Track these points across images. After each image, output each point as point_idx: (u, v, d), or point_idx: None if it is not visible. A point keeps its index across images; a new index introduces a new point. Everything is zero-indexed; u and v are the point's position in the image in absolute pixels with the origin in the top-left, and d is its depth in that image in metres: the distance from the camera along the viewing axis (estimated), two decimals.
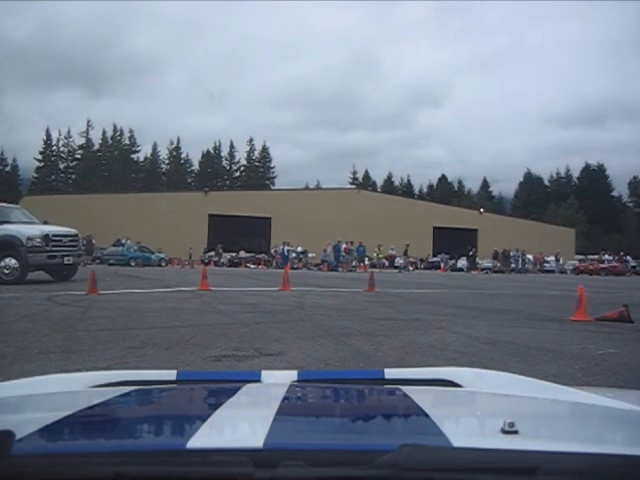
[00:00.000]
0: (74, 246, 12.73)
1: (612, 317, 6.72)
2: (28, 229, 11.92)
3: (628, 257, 39.24)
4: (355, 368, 3.89)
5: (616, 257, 38.88)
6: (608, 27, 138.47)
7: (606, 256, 39.28)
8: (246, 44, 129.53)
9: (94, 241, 32.53)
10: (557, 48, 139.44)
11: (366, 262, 32.73)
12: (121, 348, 4.54)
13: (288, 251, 32.63)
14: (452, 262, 40.60)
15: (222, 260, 38.08)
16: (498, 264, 35.39)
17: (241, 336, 5.22)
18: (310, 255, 35.61)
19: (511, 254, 36.45)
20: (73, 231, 12.94)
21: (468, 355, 4.43)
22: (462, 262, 38.96)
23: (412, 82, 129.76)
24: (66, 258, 12.22)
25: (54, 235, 12.12)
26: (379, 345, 4.83)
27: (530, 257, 38.00)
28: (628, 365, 4.18)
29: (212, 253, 39.46)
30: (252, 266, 35.72)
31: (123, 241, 32.50)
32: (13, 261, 11.49)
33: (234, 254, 39.78)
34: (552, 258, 38.85)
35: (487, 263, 34.70)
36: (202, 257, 38.43)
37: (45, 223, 13.38)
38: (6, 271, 11.48)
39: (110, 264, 29.29)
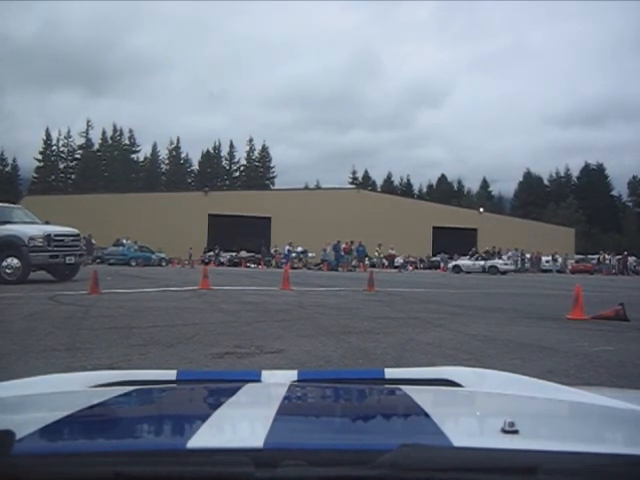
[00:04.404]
0: (76, 246, 12.81)
1: (608, 315, 6.82)
2: (30, 229, 12.00)
3: (631, 257, 39.20)
4: (354, 365, 3.98)
5: (619, 256, 38.84)
6: (608, 27, 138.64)
7: (606, 256, 39.43)
8: (246, 44, 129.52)
9: (94, 241, 32.54)
10: (557, 48, 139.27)
11: (366, 262, 32.78)
12: (125, 346, 4.62)
13: (289, 251, 32.74)
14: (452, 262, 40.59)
15: (221, 259, 38.15)
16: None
17: (242, 334, 5.30)
18: (310, 255, 35.67)
19: (509, 254, 36.51)
20: (75, 231, 13.01)
21: (465, 352, 4.52)
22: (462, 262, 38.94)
23: (412, 82, 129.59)
24: (68, 258, 12.28)
25: (56, 235, 12.19)
26: (378, 343, 4.91)
27: (529, 256, 38.03)
28: (622, 362, 4.26)
29: (212, 253, 39.52)
30: (252, 265, 35.78)
31: (123, 241, 32.57)
32: (15, 261, 11.56)
33: (234, 254, 39.83)
34: (548, 257, 38.83)
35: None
36: (202, 257, 38.47)
37: (47, 223, 13.47)
38: (8, 271, 11.55)
39: (110, 264, 29.33)
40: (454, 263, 33.48)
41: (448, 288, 14.48)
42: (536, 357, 4.42)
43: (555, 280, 22.95)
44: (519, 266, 35.99)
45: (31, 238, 11.64)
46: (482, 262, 31.43)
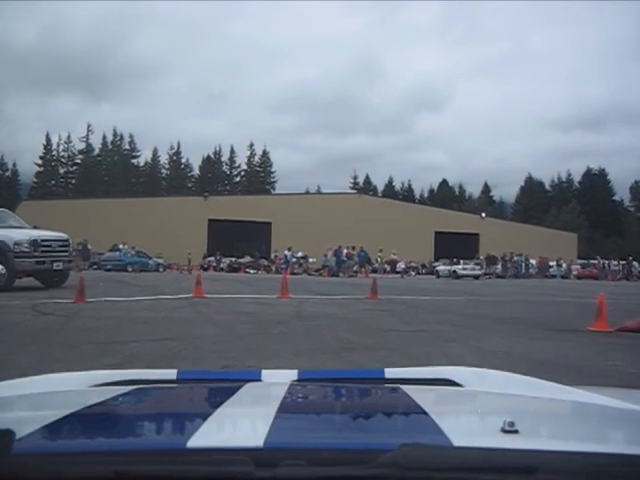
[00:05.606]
0: (64, 251, 12.23)
1: (634, 328, 6.24)
2: (16, 234, 11.45)
3: (635, 262, 38.63)
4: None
5: (623, 262, 38.38)
6: (609, 31, 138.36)
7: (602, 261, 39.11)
8: (247, 48, 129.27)
9: (90, 246, 32.03)
10: (558, 52, 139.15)
11: (368, 267, 32.21)
12: (98, 365, 4.07)
13: (289, 256, 32.20)
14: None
15: (221, 265, 37.68)
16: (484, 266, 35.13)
17: (233, 351, 4.77)
18: (311, 260, 35.14)
19: (514, 259, 36.00)
20: (63, 236, 12.46)
21: None
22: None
23: (413, 86, 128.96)
24: (55, 264, 11.71)
25: (43, 240, 11.64)
26: (384, 362, 4.33)
27: (533, 262, 37.49)
28: None
29: (212, 258, 39.01)
30: (252, 271, 35.24)
31: (120, 246, 31.97)
32: (0, 267, 11.02)
33: (233, 259, 39.32)
34: (554, 263, 38.38)
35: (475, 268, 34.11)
36: (202, 262, 37.97)
37: (35, 228, 12.94)
38: None
39: (107, 270, 28.80)
40: (436, 268, 35.72)
41: (453, 295, 13.91)
42: (565, 379, 3.80)
43: (561, 286, 22.40)
44: (523, 271, 35.45)
45: (16, 243, 11.10)
46: (448, 267, 33.03)
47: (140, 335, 5.61)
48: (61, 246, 12.16)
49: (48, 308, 7.97)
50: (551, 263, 38.19)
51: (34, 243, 11.33)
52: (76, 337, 5.42)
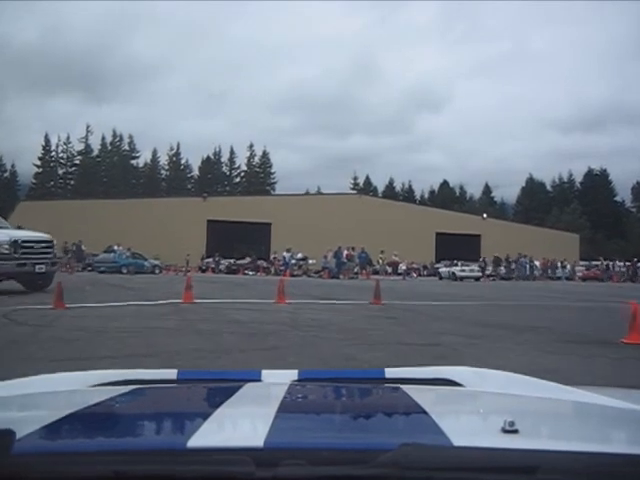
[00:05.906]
0: (47, 253, 11.50)
1: None
2: None
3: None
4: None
5: (628, 263, 37.74)
6: (610, 31, 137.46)
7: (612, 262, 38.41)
8: (247, 48, 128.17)
9: (84, 247, 31.31)
10: (558, 52, 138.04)
11: (369, 269, 31.47)
12: None
13: (287, 258, 31.47)
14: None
15: (220, 267, 36.94)
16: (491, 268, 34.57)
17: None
18: (311, 262, 34.40)
19: (520, 260, 35.32)
20: (46, 237, 11.73)
21: None
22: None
23: (413, 87, 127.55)
24: (38, 266, 10.99)
25: (24, 241, 10.92)
26: None
27: (537, 263, 36.79)
28: None
29: (210, 260, 38.28)
30: (250, 273, 34.49)
31: (115, 247, 31.19)
32: None
33: (232, 260, 38.59)
34: (558, 264, 37.74)
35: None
36: (200, 264, 37.19)
37: (19, 228, 12.26)
38: None
39: (101, 271, 28.03)
40: (438, 270, 35.71)
41: (460, 299, 13.20)
42: None
43: (568, 289, 21.68)
44: (527, 273, 34.78)
45: None
46: (448, 269, 33.26)
47: (114, 350, 4.93)
48: (44, 247, 11.43)
49: (22, 316, 7.28)
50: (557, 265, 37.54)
51: (14, 244, 10.61)
52: (43, 352, 4.76)
